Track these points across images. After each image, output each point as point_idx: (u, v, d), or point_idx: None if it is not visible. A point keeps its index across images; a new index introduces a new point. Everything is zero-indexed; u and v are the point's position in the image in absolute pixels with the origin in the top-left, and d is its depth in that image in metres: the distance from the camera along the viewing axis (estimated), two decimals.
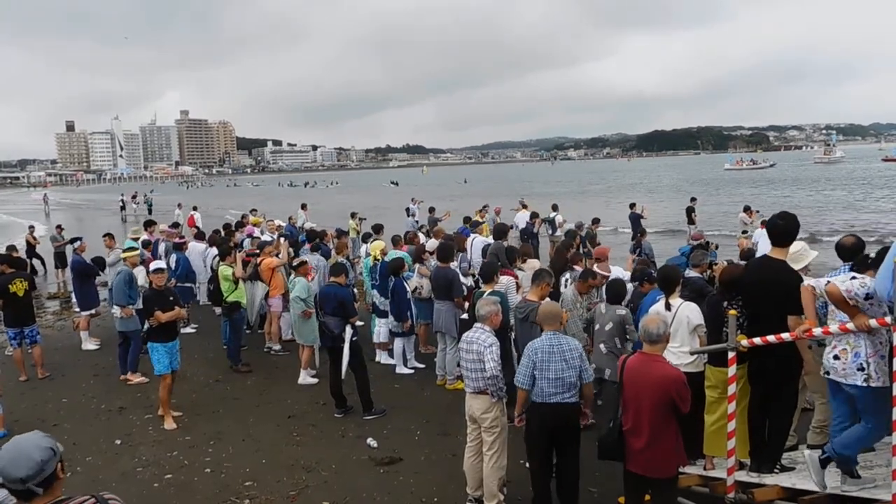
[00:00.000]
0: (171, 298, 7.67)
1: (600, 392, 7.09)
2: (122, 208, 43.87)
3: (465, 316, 8.14)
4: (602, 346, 6.86)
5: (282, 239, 12.33)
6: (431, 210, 19.82)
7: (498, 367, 5.26)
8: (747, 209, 17.66)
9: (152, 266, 7.95)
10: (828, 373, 4.65)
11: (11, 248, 12.82)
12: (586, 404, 5.39)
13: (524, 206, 19.16)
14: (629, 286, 8.31)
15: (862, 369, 4.41)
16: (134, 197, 47.38)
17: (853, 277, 4.46)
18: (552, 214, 18.53)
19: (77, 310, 11.82)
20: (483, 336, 5.39)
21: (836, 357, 4.56)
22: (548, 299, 6.51)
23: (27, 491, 2.40)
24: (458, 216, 19.47)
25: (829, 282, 4.63)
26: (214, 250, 12.01)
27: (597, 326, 7.01)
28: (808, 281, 4.76)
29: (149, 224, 15.39)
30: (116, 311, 9.60)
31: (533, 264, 8.77)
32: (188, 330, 11.93)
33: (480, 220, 15.87)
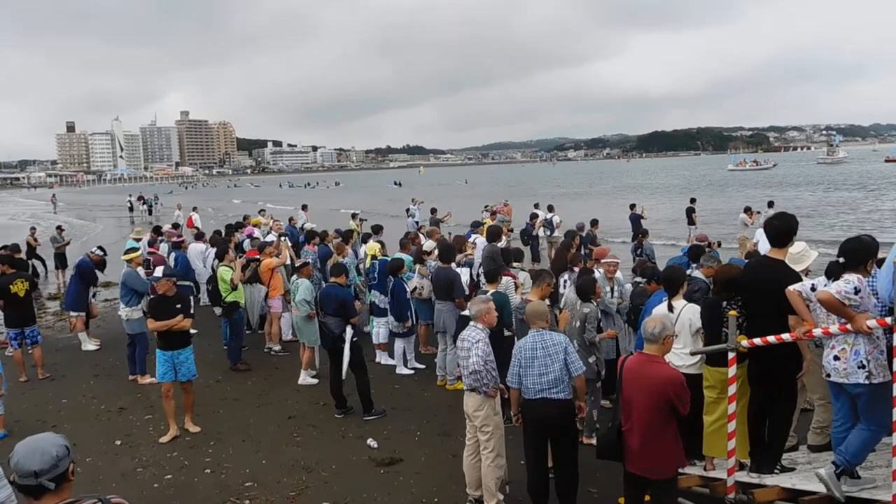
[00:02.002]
0: (179, 306, 7.30)
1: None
2: (130, 209, 43.78)
3: (465, 312, 8.14)
4: (574, 342, 6.84)
5: (283, 239, 12.31)
6: (433, 211, 19.82)
7: (480, 363, 5.29)
8: (748, 210, 17.70)
9: (155, 273, 7.79)
10: (829, 375, 4.65)
11: (15, 247, 12.75)
12: (580, 396, 5.40)
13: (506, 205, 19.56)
14: (628, 286, 8.32)
15: (863, 367, 4.42)
16: (142, 199, 47.13)
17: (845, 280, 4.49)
18: (549, 215, 18.56)
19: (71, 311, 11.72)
20: (472, 333, 5.47)
21: (836, 358, 4.56)
22: (542, 300, 6.50)
23: (39, 487, 2.40)
24: (459, 217, 19.54)
25: (814, 286, 4.66)
26: (215, 250, 12.01)
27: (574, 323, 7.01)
28: (793, 286, 4.75)
29: (156, 230, 15.45)
30: (122, 312, 9.57)
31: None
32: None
33: (482, 221, 15.88)
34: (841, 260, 4.61)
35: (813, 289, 4.71)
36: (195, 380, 7.72)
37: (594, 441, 6.49)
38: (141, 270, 10.43)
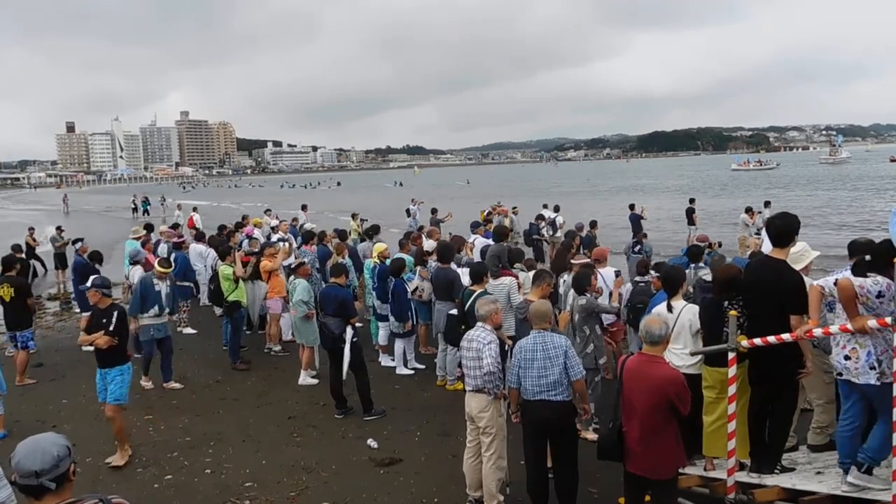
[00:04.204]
0: (105, 321, 6.55)
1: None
2: (135, 210, 43.73)
3: (453, 311, 8.15)
4: (576, 336, 6.86)
5: (281, 243, 12.26)
6: (434, 211, 19.78)
7: (495, 364, 5.29)
8: (749, 210, 17.71)
9: (88, 282, 6.99)
10: (840, 374, 4.62)
11: (16, 247, 12.72)
12: (583, 399, 5.40)
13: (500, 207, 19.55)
14: (628, 285, 8.32)
15: (874, 368, 4.39)
16: (145, 199, 46.87)
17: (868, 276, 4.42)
18: (553, 215, 18.60)
19: (78, 310, 11.80)
20: (482, 334, 5.45)
21: (846, 357, 4.53)
22: (545, 300, 6.50)
23: (39, 487, 2.40)
24: (461, 217, 19.50)
25: (836, 280, 4.60)
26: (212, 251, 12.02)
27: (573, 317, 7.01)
28: (817, 281, 4.73)
29: (148, 228, 15.43)
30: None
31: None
32: (188, 331, 11.94)
33: (482, 221, 15.88)
34: (868, 257, 4.56)
35: (836, 283, 4.67)
36: (195, 379, 7.63)
37: (591, 435, 6.50)
38: (139, 269, 10.40)
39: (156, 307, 8.74)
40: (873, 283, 4.37)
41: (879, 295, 4.34)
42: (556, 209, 19.22)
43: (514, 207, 20.68)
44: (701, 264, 8.31)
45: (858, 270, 4.58)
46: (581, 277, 6.94)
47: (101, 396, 6.77)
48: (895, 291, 4.35)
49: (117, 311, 6.63)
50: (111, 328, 6.51)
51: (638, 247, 12.82)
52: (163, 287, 8.90)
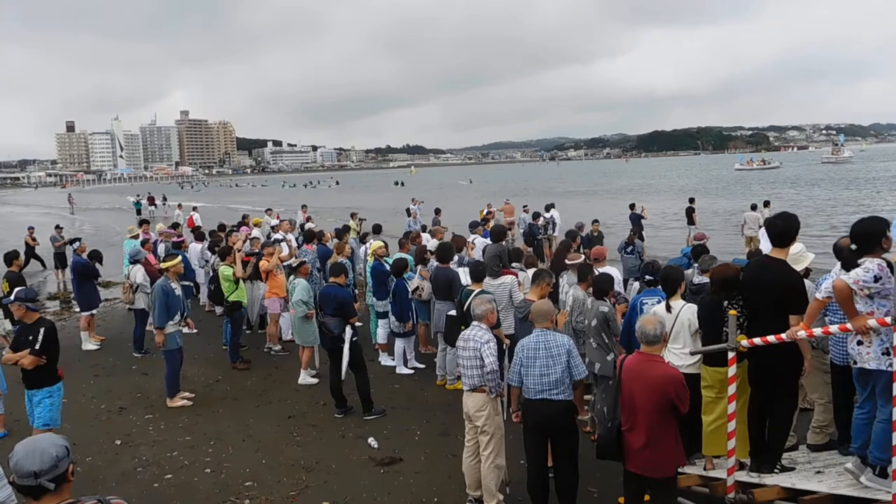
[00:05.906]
0: (31, 338, 6.02)
1: (592, 386, 7.07)
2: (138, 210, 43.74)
3: (452, 312, 8.14)
4: (591, 340, 6.86)
5: (277, 244, 12.21)
6: (437, 211, 19.73)
7: (496, 363, 5.29)
8: (754, 208, 17.70)
9: (11, 295, 6.31)
10: (855, 362, 4.57)
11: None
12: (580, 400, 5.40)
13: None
14: (636, 284, 8.30)
15: (888, 353, 4.31)
16: (150, 199, 46.75)
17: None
18: (548, 214, 18.64)
19: (77, 310, 11.82)
20: (480, 333, 5.45)
21: (859, 343, 4.46)
22: (546, 299, 6.51)
23: (38, 487, 2.40)
24: (464, 217, 19.48)
25: (833, 283, 4.56)
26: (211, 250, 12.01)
27: (586, 322, 7.01)
28: (821, 295, 4.70)
29: (143, 223, 15.44)
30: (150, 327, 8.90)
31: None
32: (188, 330, 11.92)
33: (481, 220, 15.89)
34: (853, 246, 4.51)
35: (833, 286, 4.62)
36: (195, 378, 7.61)
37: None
38: (140, 269, 10.43)
39: (178, 312, 8.38)
40: (864, 270, 4.30)
41: (877, 279, 4.26)
42: (550, 207, 19.29)
43: (525, 206, 20.79)
44: (695, 264, 8.29)
45: (848, 265, 4.54)
46: (603, 282, 6.90)
47: (31, 420, 6.25)
48: (888, 273, 4.25)
49: (44, 328, 6.06)
50: (37, 346, 5.97)
51: (630, 247, 12.88)
52: (179, 289, 8.54)
